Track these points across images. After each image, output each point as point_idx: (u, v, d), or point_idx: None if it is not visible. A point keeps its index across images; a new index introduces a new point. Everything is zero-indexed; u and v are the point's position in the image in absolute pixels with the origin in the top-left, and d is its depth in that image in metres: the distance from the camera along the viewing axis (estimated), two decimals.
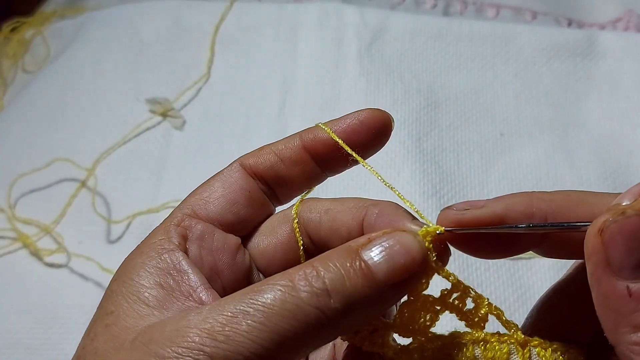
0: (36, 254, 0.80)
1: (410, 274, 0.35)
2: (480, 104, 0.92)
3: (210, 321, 0.32)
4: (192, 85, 0.97)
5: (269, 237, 0.42)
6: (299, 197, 0.43)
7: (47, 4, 1.16)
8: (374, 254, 0.34)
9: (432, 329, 0.38)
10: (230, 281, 0.40)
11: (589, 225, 0.33)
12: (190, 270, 0.37)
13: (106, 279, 0.78)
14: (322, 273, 0.33)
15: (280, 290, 0.33)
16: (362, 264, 0.34)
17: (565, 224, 0.35)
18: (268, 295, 0.32)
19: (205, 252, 0.40)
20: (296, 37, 1.01)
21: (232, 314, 0.32)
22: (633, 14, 1.05)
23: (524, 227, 0.36)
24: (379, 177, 0.40)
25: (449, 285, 0.38)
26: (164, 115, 0.94)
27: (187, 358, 0.31)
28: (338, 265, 0.34)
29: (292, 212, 0.42)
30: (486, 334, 0.37)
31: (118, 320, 0.35)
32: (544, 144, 0.88)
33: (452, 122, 0.90)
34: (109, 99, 0.97)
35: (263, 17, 1.04)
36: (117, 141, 0.91)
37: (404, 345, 0.38)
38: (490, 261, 0.76)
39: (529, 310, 0.41)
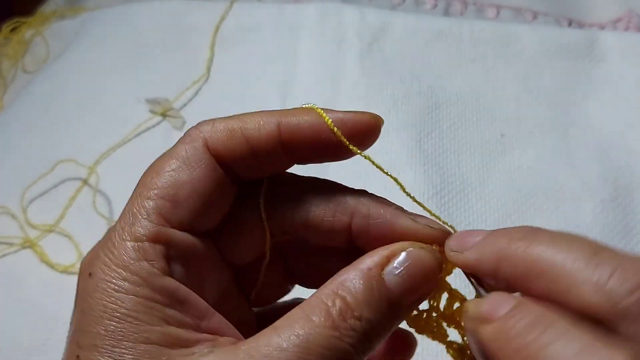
0: (49, 264, 0.80)
1: (425, 291, 0.37)
2: (481, 105, 0.92)
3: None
4: (191, 85, 0.97)
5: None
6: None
7: (47, 4, 1.16)
8: (395, 279, 0.36)
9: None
10: (213, 295, 0.38)
11: None
12: (190, 298, 0.35)
13: None
14: (357, 314, 0.34)
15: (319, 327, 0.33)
16: (385, 290, 0.35)
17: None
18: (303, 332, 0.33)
19: (192, 271, 0.36)
20: (296, 38, 1.01)
21: (266, 353, 0.32)
22: (633, 14, 1.05)
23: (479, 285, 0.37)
24: (379, 167, 0.41)
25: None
26: (164, 115, 0.94)
27: None
28: (368, 299, 0.34)
29: (260, 199, 0.39)
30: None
31: None
32: (545, 144, 0.87)
33: (452, 123, 0.90)
34: (109, 99, 0.97)
35: (263, 18, 1.04)
36: (117, 141, 0.91)
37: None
38: None
39: None
